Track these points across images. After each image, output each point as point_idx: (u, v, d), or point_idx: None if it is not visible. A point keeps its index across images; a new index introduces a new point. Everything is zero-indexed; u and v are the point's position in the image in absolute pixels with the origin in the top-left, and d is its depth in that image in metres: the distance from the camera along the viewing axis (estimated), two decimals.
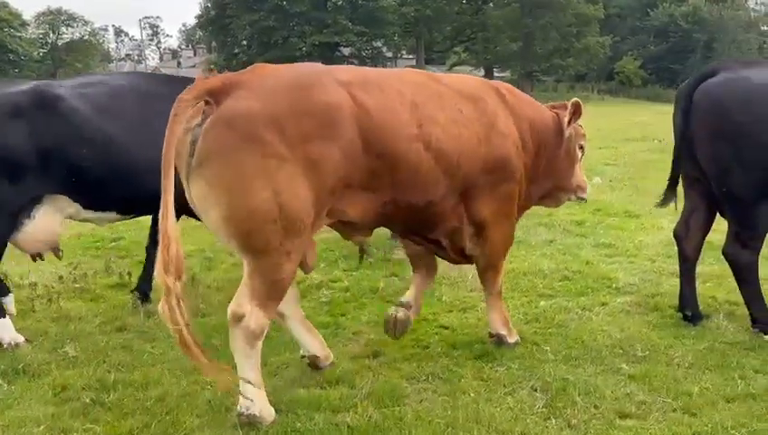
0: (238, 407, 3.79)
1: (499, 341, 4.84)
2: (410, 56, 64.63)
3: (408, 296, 4.97)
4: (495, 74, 56.12)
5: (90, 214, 5.26)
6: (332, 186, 3.74)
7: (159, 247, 3.41)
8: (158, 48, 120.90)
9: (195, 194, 3.62)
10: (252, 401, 3.74)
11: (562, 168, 5.06)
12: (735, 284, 5.18)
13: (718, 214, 5.27)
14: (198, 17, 60.18)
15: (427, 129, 4.04)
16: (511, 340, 4.85)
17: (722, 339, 5.00)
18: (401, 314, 4.78)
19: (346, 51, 57.05)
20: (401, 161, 3.94)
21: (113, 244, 8.07)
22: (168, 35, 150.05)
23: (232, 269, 6.75)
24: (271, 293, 3.70)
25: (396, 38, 60.02)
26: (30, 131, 4.83)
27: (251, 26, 53.69)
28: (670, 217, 8.99)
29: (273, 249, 3.60)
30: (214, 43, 60.36)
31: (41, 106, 4.91)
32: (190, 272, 6.25)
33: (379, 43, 58.73)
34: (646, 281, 6.24)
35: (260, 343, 3.75)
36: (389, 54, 63.94)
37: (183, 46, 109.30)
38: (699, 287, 5.53)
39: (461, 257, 4.76)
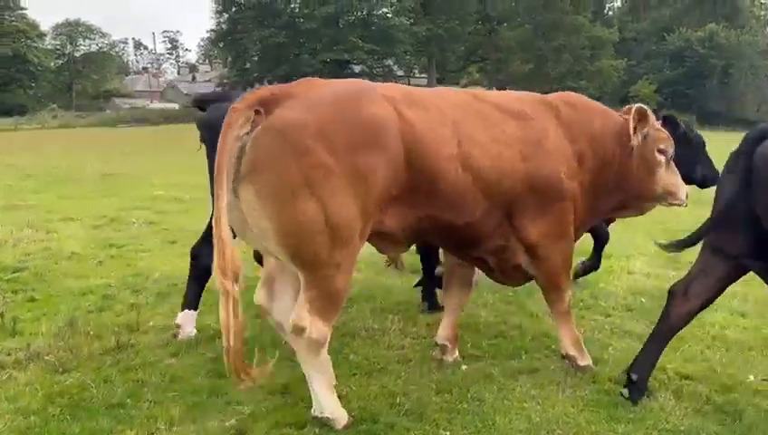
0: (312, 410, 3.98)
1: (570, 362, 4.76)
2: (422, 75, 64.07)
3: (441, 336, 4.97)
4: None
5: None
6: (378, 197, 3.78)
7: (215, 253, 3.46)
8: (177, 62, 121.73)
9: (243, 203, 3.63)
10: (324, 405, 3.93)
11: (637, 176, 4.76)
12: (691, 352, 4.28)
13: None
14: (211, 32, 60.02)
15: (466, 148, 4.07)
16: (582, 362, 4.75)
17: (664, 425, 4.14)
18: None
19: (357, 68, 56.61)
20: (439, 179, 3.98)
21: (13, 275, 7.29)
22: (187, 49, 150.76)
23: None
24: (328, 304, 3.76)
25: (407, 57, 59.60)
26: None
27: (261, 42, 53.52)
28: (644, 260, 8.20)
29: (322, 261, 3.65)
30: (229, 58, 60.13)
31: None
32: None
33: (390, 62, 58.27)
34: (591, 342, 5.34)
35: (325, 351, 3.86)
36: (401, 73, 63.51)
37: (201, 61, 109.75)
38: None
39: (508, 277, 4.76)
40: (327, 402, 3.95)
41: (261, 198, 3.58)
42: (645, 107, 4.72)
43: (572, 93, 4.98)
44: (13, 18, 68.90)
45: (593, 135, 4.63)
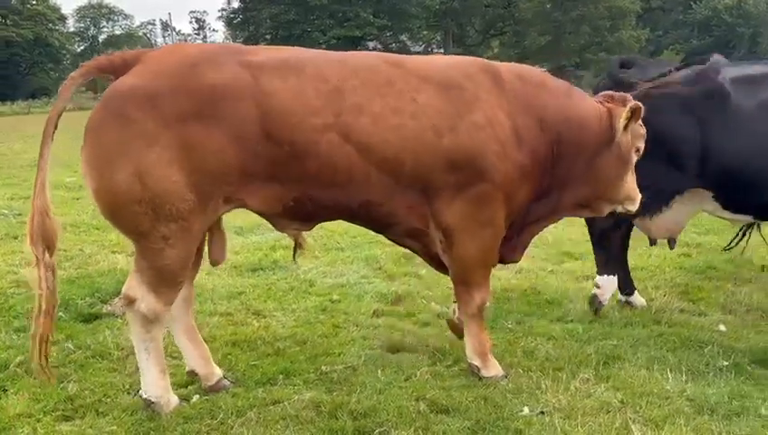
0: (140, 390, 3.77)
1: (474, 372, 4.19)
2: (441, 50, 62.76)
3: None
4: None
5: (726, 214, 5.28)
6: (217, 171, 3.51)
7: (29, 220, 3.49)
8: (204, 42, 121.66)
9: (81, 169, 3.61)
10: (148, 387, 3.73)
11: (610, 175, 4.27)
12: None
13: None
14: (222, 11, 59.51)
15: (348, 118, 3.65)
16: (486, 372, 4.17)
17: None
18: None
19: (371, 45, 55.62)
20: (309, 153, 3.61)
21: None
22: (214, 30, 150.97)
23: None
24: (159, 278, 3.59)
25: (424, 31, 58.38)
26: (696, 122, 4.89)
27: (272, 20, 52.79)
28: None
29: (145, 232, 3.50)
30: (241, 39, 59.62)
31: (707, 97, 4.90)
32: None
33: (404, 37, 57.15)
34: None
35: (158, 330, 3.69)
36: (418, 48, 62.28)
37: (228, 40, 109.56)
38: None
39: (438, 265, 4.30)
40: (152, 384, 3.73)
41: (85, 164, 3.53)
42: (641, 105, 4.15)
43: (531, 67, 4.45)
44: (34, 2, 69.16)
45: (545, 115, 4.07)
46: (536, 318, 5.30)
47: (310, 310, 5.38)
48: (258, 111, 3.54)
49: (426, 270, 6.54)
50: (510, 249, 4.37)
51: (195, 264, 3.92)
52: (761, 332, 5.02)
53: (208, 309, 5.31)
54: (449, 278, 4.67)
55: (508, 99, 4.00)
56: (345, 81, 3.72)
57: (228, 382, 4.08)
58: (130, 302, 3.63)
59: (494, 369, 4.19)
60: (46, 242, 3.48)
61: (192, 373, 4.11)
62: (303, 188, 3.72)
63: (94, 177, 3.50)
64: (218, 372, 4.10)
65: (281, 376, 4.19)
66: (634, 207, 4.44)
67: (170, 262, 3.57)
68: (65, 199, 10.28)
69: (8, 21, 64.13)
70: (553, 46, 52.44)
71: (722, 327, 5.07)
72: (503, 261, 4.42)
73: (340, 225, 5.70)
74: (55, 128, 3.56)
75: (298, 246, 4.54)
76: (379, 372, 4.21)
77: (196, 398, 3.92)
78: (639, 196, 4.41)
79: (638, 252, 7.12)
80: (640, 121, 4.25)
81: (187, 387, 4.08)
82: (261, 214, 3.87)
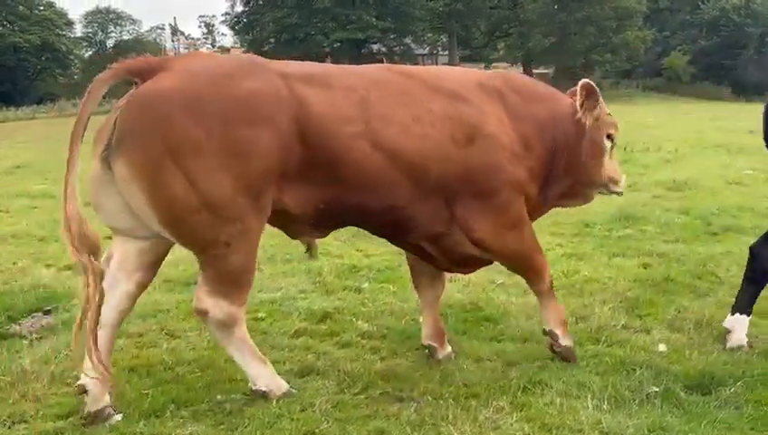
0: (249, 386, 3.94)
1: (553, 339, 4.52)
2: (446, 53, 62.35)
3: (426, 337, 4.67)
4: (534, 71, 53.65)
5: None
6: (265, 172, 3.60)
7: (63, 228, 3.47)
8: (213, 46, 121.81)
9: (117, 178, 3.52)
10: (256, 377, 3.92)
11: (586, 162, 4.52)
12: None
13: None
14: (225, 15, 59.31)
15: (376, 126, 3.81)
16: (563, 341, 4.52)
17: None
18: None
19: (375, 48, 55.39)
20: (341, 158, 3.76)
21: None
22: (223, 34, 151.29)
23: None
24: (228, 283, 3.68)
25: (428, 34, 58.01)
26: None
27: (275, 23, 52.65)
28: None
29: (207, 240, 3.56)
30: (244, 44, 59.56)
31: None
32: None
33: (408, 40, 56.82)
34: None
35: (240, 329, 3.81)
36: (424, 51, 62.00)
37: (237, 45, 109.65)
38: None
39: (452, 265, 4.55)
40: (258, 376, 3.93)
41: (130, 169, 3.46)
42: (591, 82, 4.46)
43: (521, 76, 4.84)
44: (41, 7, 69.35)
45: (541, 121, 4.38)
46: (467, 338, 5.00)
47: None
48: (295, 117, 3.65)
49: (368, 284, 6.29)
50: None
51: (145, 280, 3.91)
52: (705, 352, 4.67)
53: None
54: (387, 294, 5.24)
55: (508, 110, 4.25)
56: (369, 91, 3.90)
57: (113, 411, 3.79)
58: (203, 315, 3.73)
59: (568, 339, 4.54)
60: (89, 248, 3.47)
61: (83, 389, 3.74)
62: (335, 192, 3.83)
63: (146, 188, 3.47)
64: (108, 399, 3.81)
65: (171, 406, 3.89)
66: (619, 189, 4.71)
67: (237, 265, 3.67)
68: (23, 208, 10.04)
69: (15, 26, 64.37)
70: (558, 47, 51.88)
71: (662, 347, 4.73)
72: None
73: None
74: (84, 129, 3.51)
75: (310, 252, 4.53)
76: (275, 402, 3.90)
77: None
78: (623, 177, 4.71)
79: (597, 263, 6.82)
80: (608, 110, 4.54)
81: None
82: (291, 217, 3.89)
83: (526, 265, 4.49)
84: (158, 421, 3.74)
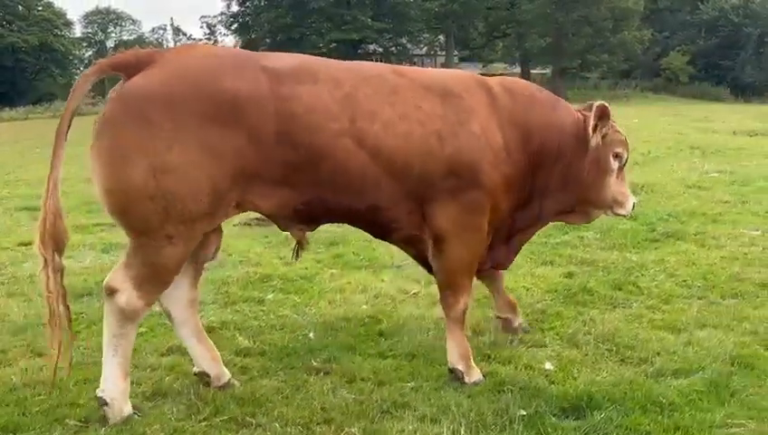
0: (97, 390, 3.71)
1: (457, 377, 4.21)
2: (443, 53, 61.96)
3: (498, 310, 5.01)
4: (532, 71, 53.31)
5: None
6: (234, 175, 3.58)
7: (40, 220, 3.55)
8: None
9: (89, 167, 3.59)
10: (109, 388, 3.69)
11: (589, 179, 4.44)
12: None
13: None
14: (221, 15, 59.04)
15: (363, 124, 3.76)
16: (468, 379, 4.20)
17: None
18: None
19: (371, 48, 55.10)
20: (325, 157, 3.72)
21: None
22: (225, 34, 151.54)
23: None
24: (148, 276, 3.61)
25: (425, 34, 57.67)
26: None
27: (270, 24, 52.48)
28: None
29: (152, 229, 3.53)
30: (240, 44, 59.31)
31: None
32: None
33: (404, 40, 56.50)
34: None
35: (132, 328, 3.70)
36: (421, 52, 61.63)
37: (238, 45, 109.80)
38: None
39: (431, 271, 4.41)
40: (112, 384, 3.70)
41: (97, 159, 3.53)
42: (606, 105, 4.37)
43: (519, 80, 4.72)
44: (40, 8, 69.30)
45: (530, 128, 4.29)
46: (352, 353, 4.72)
47: (101, 347, 4.82)
48: (276, 115, 3.61)
49: (273, 295, 6.03)
50: (499, 257, 4.65)
51: (201, 262, 4.07)
52: (595, 370, 4.40)
53: None
54: (288, 306, 5.10)
55: (499, 112, 4.19)
56: (357, 88, 3.84)
57: (237, 383, 4.17)
58: (111, 292, 3.61)
59: (475, 375, 4.24)
60: (56, 244, 3.55)
61: (203, 374, 4.12)
62: (315, 192, 3.80)
63: (106, 173, 3.51)
64: (227, 372, 4.18)
65: None
66: (624, 212, 4.63)
67: (167, 261, 3.62)
68: None
69: (13, 26, 64.33)
70: (555, 48, 51.46)
71: (548, 365, 4.45)
72: (493, 268, 4.77)
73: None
74: (69, 126, 3.58)
75: (300, 245, 4.40)
76: (105, 430, 3.63)
77: None
78: (630, 201, 4.61)
79: (521, 272, 6.52)
80: (618, 128, 4.46)
81: None
82: (269, 216, 3.95)
83: (451, 281, 4.26)
84: None
